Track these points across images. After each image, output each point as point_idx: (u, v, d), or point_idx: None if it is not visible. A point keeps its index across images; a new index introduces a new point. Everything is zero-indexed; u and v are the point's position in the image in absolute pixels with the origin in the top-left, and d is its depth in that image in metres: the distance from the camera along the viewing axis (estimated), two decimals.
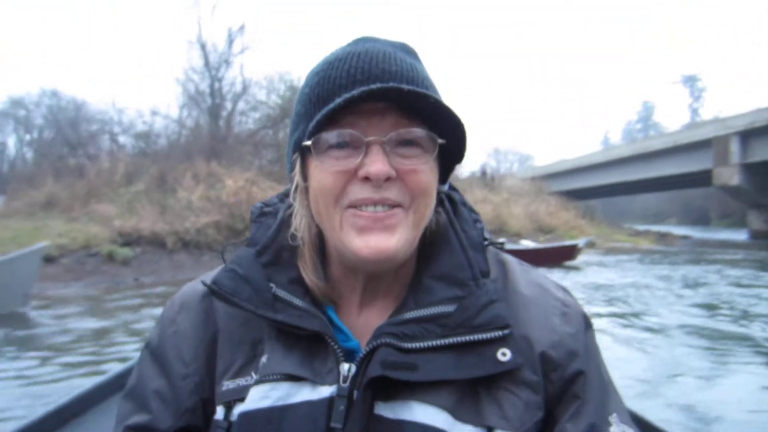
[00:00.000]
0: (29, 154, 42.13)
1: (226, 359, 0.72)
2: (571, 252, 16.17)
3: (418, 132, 0.66)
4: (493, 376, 0.65)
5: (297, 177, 0.72)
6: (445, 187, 0.79)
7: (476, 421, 0.63)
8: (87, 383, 1.58)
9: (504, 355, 0.64)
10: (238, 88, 20.21)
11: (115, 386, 1.58)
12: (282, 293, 0.70)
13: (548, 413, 0.68)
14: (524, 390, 0.66)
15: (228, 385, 0.70)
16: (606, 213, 43.96)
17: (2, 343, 6.47)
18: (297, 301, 0.70)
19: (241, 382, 0.69)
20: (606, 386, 0.71)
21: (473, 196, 24.48)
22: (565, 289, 0.76)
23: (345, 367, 0.66)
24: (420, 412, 0.62)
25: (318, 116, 0.64)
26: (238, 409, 0.67)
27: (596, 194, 46.28)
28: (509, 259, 0.78)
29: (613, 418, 0.69)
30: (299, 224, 0.74)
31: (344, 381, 0.65)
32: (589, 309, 7.24)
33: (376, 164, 0.64)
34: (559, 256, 15.95)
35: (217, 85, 19.64)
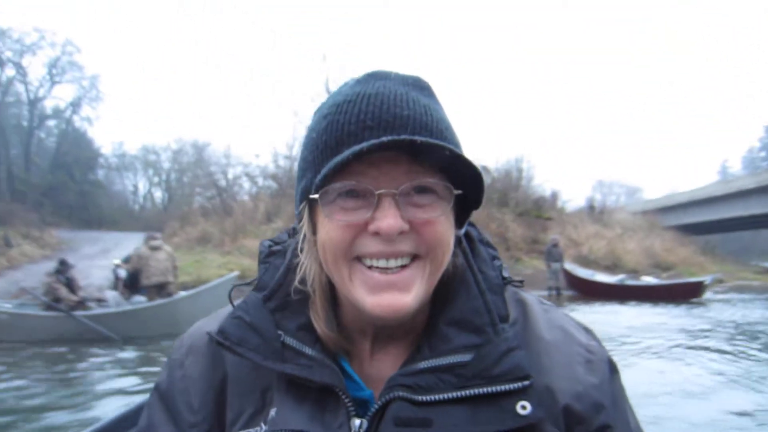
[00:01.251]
0: (158, 194, 47.84)
1: (235, 408, 0.72)
2: (696, 289, 16.01)
3: (432, 182, 0.64)
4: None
5: (305, 227, 0.70)
6: (461, 232, 0.75)
7: None
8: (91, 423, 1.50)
9: (524, 408, 0.61)
10: None
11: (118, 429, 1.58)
12: (291, 341, 0.69)
13: None
14: None
15: None
16: (727, 249, 41.42)
17: None
18: (307, 350, 0.69)
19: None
20: None
21: (585, 232, 24.62)
22: (588, 330, 0.74)
23: (356, 423, 0.65)
24: None
25: (325, 169, 0.62)
26: None
27: (715, 229, 43.74)
28: (529, 299, 0.76)
29: None
30: (308, 273, 0.72)
31: None
32: (712, 344, 7.51)
33: (388, 219, 0.61)
34: (684, 293, 15.84)
35: None
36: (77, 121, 39.93)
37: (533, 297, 0.76)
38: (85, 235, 27.57)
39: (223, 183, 22.31)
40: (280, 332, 0.70)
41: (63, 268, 9.66)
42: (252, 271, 14.81)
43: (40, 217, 25.24)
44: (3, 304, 9.56)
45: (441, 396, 0.62)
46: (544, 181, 28.36)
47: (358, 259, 0.64)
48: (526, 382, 0.62)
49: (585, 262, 20.70)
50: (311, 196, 0.65)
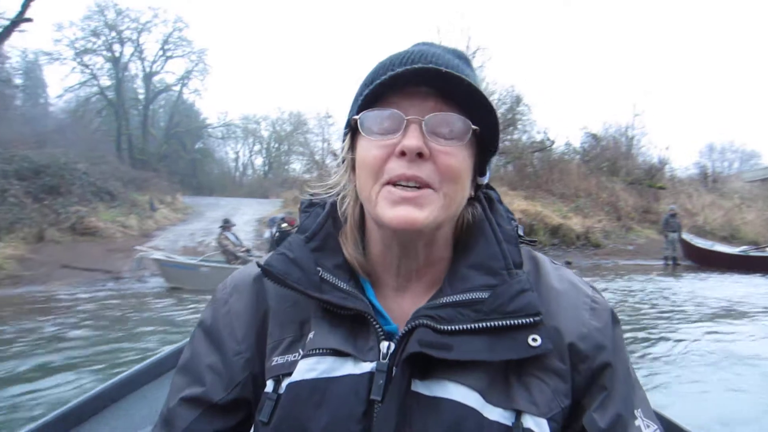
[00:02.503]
0: (257, 161, 50.97)
1: (275, 337, 0.79)
2: None
3: (452, 116, 0.72)
4: (523, 363, 0.70)
5: (345, 151, 0.79)
6: (485, 180, 0.84)
7: (506, 405, 0.68)
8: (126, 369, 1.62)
9: (534, 340, 0.69)
10: None
11: (151, 374, 1.60)
12: (328, 276, 0.77)
13: (575, 402, 0.73)
14: (553, 378, 0.71)
15: (277, 360, 0.77)
16: None
17: None
18: (342, 284, 0.76)
19: (290, 357, 0.76)
20: (631, 381, 0.76)
21: (700, 201, 24.08)
22: (594, 287, 0.81)
23: (385, 345, 0.72)
24: (454, 390, 0.68)
25: (366, 91, 0.73)
26: (287, 381, 0.73)
27: None
28: (542, 256, 0.84)
29: (638, 412, 0.74)
30: (347, 203, 0.83)
31: (384, 358, 0.71)
32: None
33: (411, 139, 0.70)
34: None
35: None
36: (186, 94, 42.99)
37: (545, 256, 0.84)
38: (200, 200, 30.31)
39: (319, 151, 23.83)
40: (319, 268, 0.77)
41: (227, 225, 11.87)
42: None
43: (168, 185, 28.03)
44: (197, 260, 11.57)
45: (461, 326, 0.70)
46: (651, 146, 27.48)
47: (387, 183, 0.72)
48: (537, 318, 0.70)
49: (700, 232, 20.41)
50: (353, 118, 0.74)
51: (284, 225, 12.60)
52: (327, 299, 0.75)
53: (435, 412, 0.67)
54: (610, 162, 24.29)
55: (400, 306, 0.79)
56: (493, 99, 23.62)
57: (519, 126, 23.96)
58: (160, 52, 39.45)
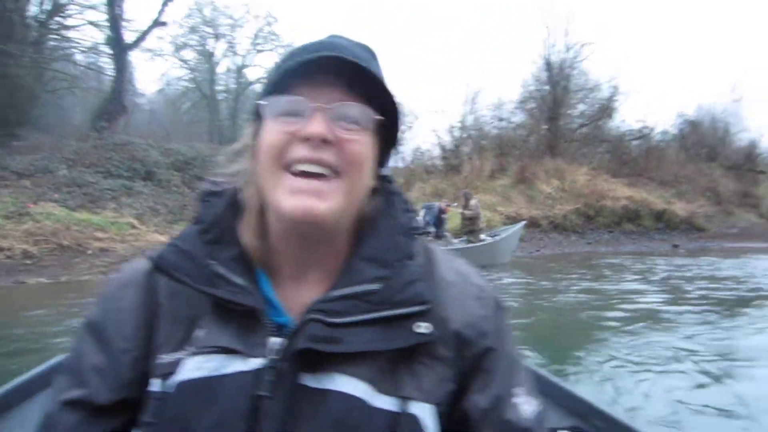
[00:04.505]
0: None
1: (164, 334, 0.77)
2: None
3: (356, 105, 0.74)
4: (412, 352, 0.73)
5: (250, 137, 0.79)
6: (386, 171, 0.86)
7: (394, 393, 0.71)
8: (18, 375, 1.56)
9: (419, 327, 0.72)
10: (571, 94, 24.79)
11: (45, 381, 1.55)
12: (222, 270, 0.76)
13: (460, 387, 0.77)
14: (439, 365, 0.75)
15: (165, 358, 0.75)
16: None
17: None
18: (236, 279, 0.76)
19: (178, 355, 0.74)
20: (513, 363, 0.82)
21: None
22: (484, 279, 0.85)
23: (275, 340, 0.72)
24: (342, 382, 0.69)
25: (273, 77, 0.75)
26: (173, 379, 0.72)
27: None
28: (435, 248, 0.87)
29: (520, 390, 0.79)
30: (248, 189, 0.81)
31: (274, 353, 0.71)
32: None
33: (316, 125, 0.71)
34: None
35: (558, 92, 24.31)
36: None
37: (439, 248, 0.88)
38: None
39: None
40: (212, 261, 0.76)
41: None
42: (492, 223, 18.22)
43: None
44: None
45: (351, 318, 0.72)
46: (744, 130, 27.93)
47: (287, 169, 0.73)
48: (425, 306, 0.74)
49: None
50: (258, 102, 0.76)
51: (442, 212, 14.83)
52: (218, 295, 0.74)
53: (323, 404, 0.69)
54: (709, 148, 25.26)
55: (297, 296, 0.78)
56: (593, 88, 25.35)
57: (615, 115, 25.33)
58: (251, 47, 42.53)
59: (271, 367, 0.71)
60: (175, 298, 0.80)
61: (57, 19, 20.81)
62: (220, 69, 42.69)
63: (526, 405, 0.80)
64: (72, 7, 20.57)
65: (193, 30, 38.34)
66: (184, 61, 38.79)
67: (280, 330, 0.74)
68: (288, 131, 0.73)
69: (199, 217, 0.83)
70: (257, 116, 0.78)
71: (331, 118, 0.73)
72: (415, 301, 0.74)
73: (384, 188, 0.86)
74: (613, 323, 6.54)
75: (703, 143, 25.99)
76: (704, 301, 8.07)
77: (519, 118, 26.73)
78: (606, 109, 25.19)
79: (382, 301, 0.74)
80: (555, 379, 1.87)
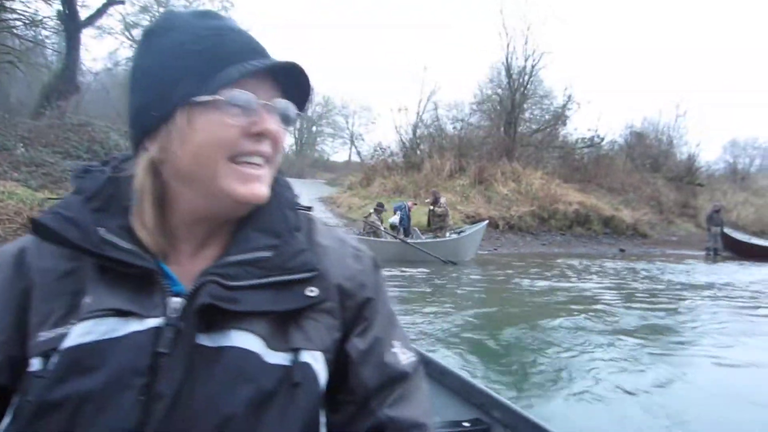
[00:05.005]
0: (288, 142, 53.33)
1: (41, 312, 0.73)
2: None
3: (293, 106, 0.80)
4: (299, 311, 0.78)
5: (181, 127, 0.75)
6: None
7: (284, 347, 0.75)
8: None
9: (312, 291, 0.79)
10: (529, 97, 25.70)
11: None
12: (110, 237, 0.74)
13: (344, 335, 0.83)
14: (325, 316, 0.81)
15: (45, 335, 0.71)
16: None
17: (460, 274, 12.00)
18: (125, 245, 0.74)
19: (60, 330, 0.71)
20: (391, 318, 0.89)
21: (734, 198, 26.71)
22: (360, 244, 0.93)
23: (173, 300, 0.73)
24: (237, 338, 0.72)
25: (234, 73, 0.73)
26: (59, 348, 0.69)
27: None
28: (316, 219, 0.93)
29: (396, 342, 0.87)
30: (142, 179, 0.78)
31: (173, 312, 0.72)
32: None
33: (273, 124, 0.76)
34: None
35: (517, 97, 25.14)
36: None
37: (320, 219, 0.94)
38: None
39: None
40: (99, 228, 0.74)
41: (380, 209, 14.37)
42: (453, 220, 18.78)
43: None
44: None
45: (247, 282, 0.75)
46: (683, 144, 29.87)
47: (232, 159, 0.75)
48: (314, 273, 0.80)
49: (733, 228, 23.03)
50: (203, 98, 0.73)
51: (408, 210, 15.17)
52: (108, 255, 0.72)
53: (219, 360, 0.71)
54: (653, 159, 26.84)
55: (189, 269, 0.79)
56: (547, 98, 26.43)
57: (568, 123, 26.51)
58: None
59: (169, 325, 0.71)
60: (49, 272, 0.76)
61: None
62: None
63: (403, 354, 0.87)
64: None
65: (144, 9, 37.41)
66: (135, 41, 37.75)
67: (177, 295, 0.75)
68: (237, 124, 0.75)
69: (80, 188, 0.80)
70: (189, 103, 0.74)
71: (275, 114, 0.78)
72: (305, 268, 0.79)
73: None
74: (558, 315, 7.20)
75: (648, 154, 27.61)
76: (644, 299, 9.01)
77: (476, 119, 27.60)
78: (560, 117, 26.31)
79: (274, 267, 0.78)
80: (458, 373, 1.96)
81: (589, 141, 26.24)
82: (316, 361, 0.77)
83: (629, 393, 4.29)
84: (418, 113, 28.19)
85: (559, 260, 15.25)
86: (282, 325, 0.77)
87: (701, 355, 5.66)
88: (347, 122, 52.77)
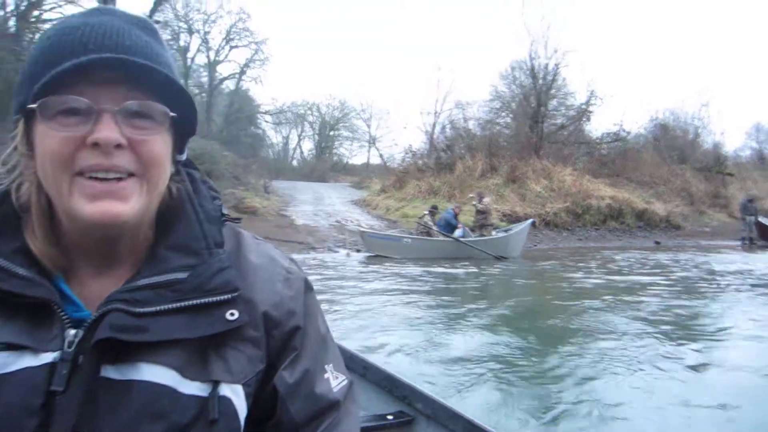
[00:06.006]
0: (305, 145, 54.26)
1: None
2: None
3: (148, 104, 0.70)
4: (221, 337, 0.73)
5: (18, 141, 0.72)
6: (183, 157, 0.84)
7: (203, 378, 0.70)
8: None
9: (232, 315, 0.73)
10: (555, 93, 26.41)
11: None
12: (3, 263, 0.70)
13: (269, 365, 0.79)
14: (248, 346, 0.76)
15: None
16: None
17: (510, 272, 12.71)
18: (21, 271, 0.70)
19: None
20: (324, 341, 0.86)
21: (765, 187, 27.12)
22: (292, 260, 0.88)
23: (71, 332, 0.68)
24: (148, 371, 0.68)
25: (45, 78, 0.66)
26: None
27: None
28: (245, 233, 0.88)
29: (329, 367, 0.84)
30: (23, 192, 0.74)
31: (69, 346, 0.67)
32: None
33: (106, 131, 0.66)
34: None
35: (542, 96, 25.87)
36: (246, 81, 46.20)
37: (249, 233, 0.89)
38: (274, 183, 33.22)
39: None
40: None
41: (434, 211, 15.26)
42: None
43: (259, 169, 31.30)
44: (400, 233, 15.08)
45: (158, 308, 0.70)
46: (709, 132, 30.33)
47: (79, 174, 0.68)
48: (235, 294, 0.75)
49: (767, 216, 23.52)
50: (29, 107, 0.68)
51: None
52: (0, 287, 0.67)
53: (126, 395, 0.66)
54: (680, 150, 27.39)
55: (97, 291, 0.74)
56: (571, 95, 27.21)
57: (593, 118, 27.20)
58: (224, 42, 42.67)
59: (65, 360, 0.67)
60: None
61: (36, 13, 20.85)
62: (194, 63, 42.91)
63: (334, 380, 0.85)
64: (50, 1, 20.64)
65: (165, 25, 38.50)
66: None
67: (78, 325, 0.70)
68: (70, 136, 0.68)
69: None
70: (25, 114, 0.71)
71: (121, 120, 0.69)
72: (225, 289, 0.75)
73: (189, 174, 0.85)
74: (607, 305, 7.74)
75: (674, 146, 28.10)
76: (685, 287, 9.53)
77: (492, 116, 28.38)
78: (584, 113, 26.94)
79: (190, 289, 0.73)
80: (382, 367, 1.98)
81: (614, 135, 26.83)
82: (237, 395, 0.74)
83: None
84: (435, 113, 28.99)
85: (601, 254, 15.87)
86: (200, 353, 0.72)
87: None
88: (367, 125, 53.60)
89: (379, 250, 14.04)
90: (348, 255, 14.76)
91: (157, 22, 24.02)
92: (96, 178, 0.69)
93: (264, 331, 0.79)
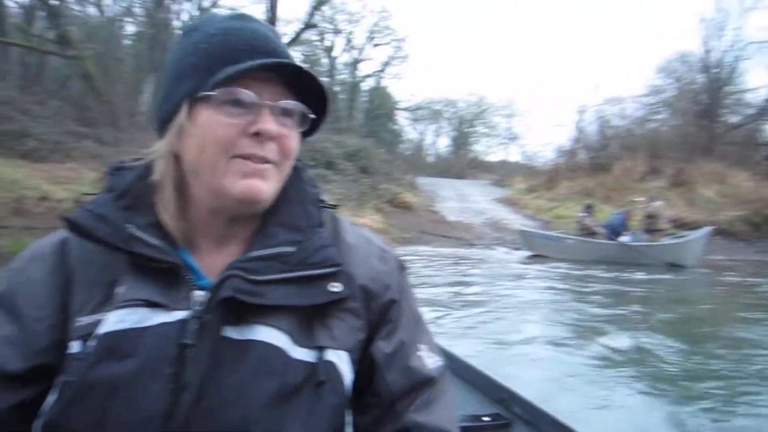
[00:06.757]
0: (441, 142, 54.66)
1: (81, 298, 0.79)
2: None
3: (299, 105, 0.81)
4: (324, 309, 0.80)
5: (183, 120, 0.80)
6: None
7: (310, 344, 0.77)
8: None
9: (334, 287, 0.80)
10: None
11: None
12: (139, 233, 0.78)
13: (369, 336, 0.85)
14: (349, 316, 0.83)
15: (84, 320, 0.76)
16: None
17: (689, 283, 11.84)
18: (153, 241, 0.79)
19: (97, 317, 0.75)
20: (417, 319, 0.92)
21: None
22: (386, 243, 0.95)
23: (198, 293, 0.77)
24: (263, 332, 0.75)
25: (228, 72, 0.76)
26: (95, 334, 0.73)
27: None
28: (342, 217, 0.95)
29: (422, 346, 0.89)
30: (163, 168, 0.83)
31: (197, 305, 0.76)
32: None
33: (269, 124, 0.77)
34: None
35: (715, 92, 24.07)
36: (387, 78, 47.62)
37: (346, 218, 0.96)
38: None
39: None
40: (129, 225, 0.79)
41: (590, 210, 14.88)
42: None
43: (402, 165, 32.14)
44: (562, 234, 14.83)
45: (270, 277, 0.78)
46: None
47: (234, 158, 0.78)
48: (337, 268, 0.82)
49: None
50: (203, 93, 0.77)
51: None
52: (137, 251, 0.77)
53: (244, 353, 0.74)
54: None
55: (216, 263, 0.83)
56: (750, 91, 24.62)
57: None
58: (366, 41, 44.28)
59: (195, 318, 0.75)
60: (88, 263, 0.81)
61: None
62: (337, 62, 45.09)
63: (429, 358, 0.89)
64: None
65: (310, 26, 40.82)
66: (306, 56, 41.39)
67: (201, 289, 0.78)
68: (235, 124, 0.77)
69: (111, 186, 0.85)
70: (192, 99, 0.80)
71: (277, 115, 0.79)
72: (327, 263, 0.81)
73: (294, 167, 0.92)
74: None
75: None
76: None
77: (660, 116, 26.70)
78: (764, 112, 24.52)
79: (297, 262, 0.80)
80: (479, 368, 1.97)
81: None
82: (341, 360, 0.80)
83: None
84: (582, 111, 27.94)
85: None
86: (307, 322, 0.79)
87: None
88: (507, 122, 52.90)
89: (540, 249, 14.01)
90: (508, 253, 14.96)
91: (314, 25, 25.70)
92: (249, 161, 0.78)
93: (363, 303, 0.85)
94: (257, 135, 0.78)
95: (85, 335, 0.75)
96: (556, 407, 1.78)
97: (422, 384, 0.86)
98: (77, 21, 20.23)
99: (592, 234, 14.16)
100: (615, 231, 14.18)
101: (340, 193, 17.06)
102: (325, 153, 19.16)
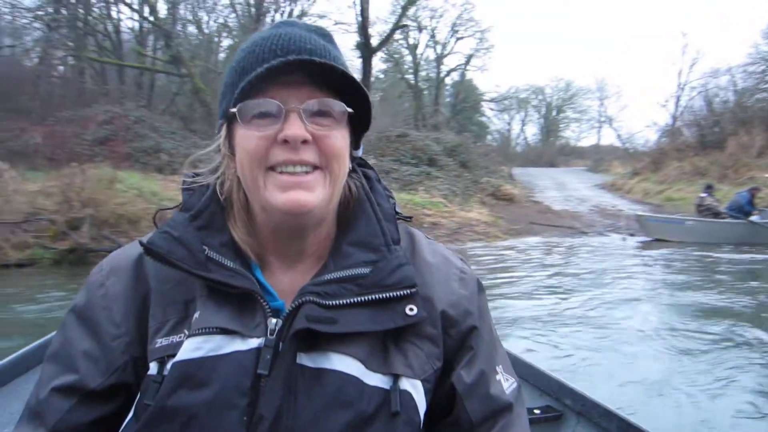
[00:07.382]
0: (529, 130, 53.57)
1: (158, 318, 0.81)
2: None
3: (329, 101, 0.78)
4: (400, 332, 0.79)
5: (222, 143, 0.83)
6: (359, 153, 0.92)
7: (384, 370, 0.76)
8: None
9: (411, 310, 0.78)
10: None
11: (20, 368, 1.60)
12: (214, 255, 0.80)
13: (446, 363, 0.84)
14: (426, 343, 0.81)
15: (161, 342, 0.78)
16: None
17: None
18: (228, 263, 0.79)
19: (175, 339, 0.77)
20: (494, 342, 0.90)
21: None
22: (464, 260, 0.92)
23: (272, 321, 0.77)
24: (337, 361, 0.75)
25: (242, 83, 0.75)
26: (172, 362, 0.75)
27: None
28: (417, 232, 0.93)
29: (500, 368, 0.88)
30: (228, 188, 0.85)
31: (271, 334, 0.76)
32: None
33: (293, 128, 0.75)
34: None
35: None
36: (471, 70, 47.38)
37: (421, 232, 0.95)
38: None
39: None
40: (204, 247, 0.80)
41: (710, 190, 14.42)
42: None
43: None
44: (681, 216, 14.64)
45: (345, 300, 0.77)
46: None
47: (272, 169, 0.77)
48: (413, 290, 0.80)
49: None
50: (231, 110, 0.78)
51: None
52: (213, 278, 0.78)
53: (319, 382, 0.73)
54: None
55: (288, 283, 0.84)
56: None
57: None
58: (450, 35, 44.28)
59: (269, 347, 0.75)
60: (165, 282, 0.83)
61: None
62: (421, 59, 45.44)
63: (506, 381, 0.88)
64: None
65: (397, 27, 41.38)
66: (390, 55, 42.09)
67: (275, 313, 0.79)
68: (264, 135, 0.77)
69: (187, 204, 0.87)
70: (228, 119, 0.82)
71: (305, 117, 0.77)
72: (404, 284, 0.80)
73: (365, 174, 0.93)
74: None
75: None
76: None
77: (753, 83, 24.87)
78: None
79: (372, 284, 0.79)
80: (528, 360, 2.00)
81: None
82: (416, 390, 0.79)
83: None
84: (679, 85, 26.53)
85: None
86: (381, 346, 0.79)
87: None
88: (600, 105, 51.13)
89: (659, 233, 13.70)
90: (624, 239, 14.73)
91: (404, 26, 26.22)
92: (286, 173, 0.78)
93: (441, 330, 0.84)
94: (287, 142, 0.77)
95: (162, 358, 0.78)
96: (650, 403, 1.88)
97: (501, 410, 0.86)
98: (183, 41, 22.01)
99: (715, 215, 13.72)
100: (742, 210, 13.63)
101: (445, 188, 17.59)
102: (426, 150, 19.66)
